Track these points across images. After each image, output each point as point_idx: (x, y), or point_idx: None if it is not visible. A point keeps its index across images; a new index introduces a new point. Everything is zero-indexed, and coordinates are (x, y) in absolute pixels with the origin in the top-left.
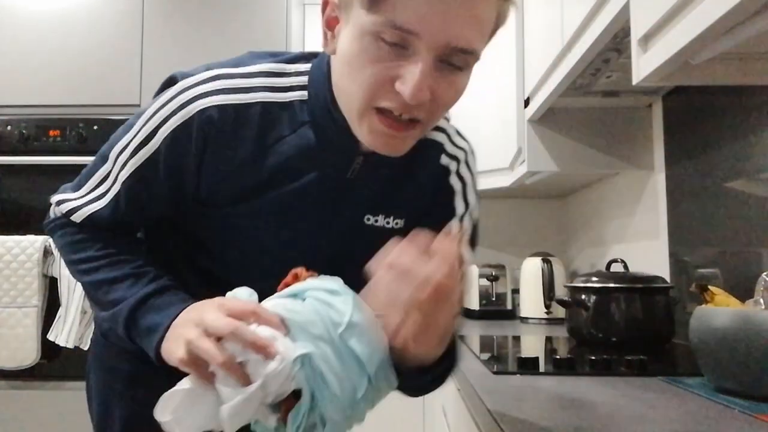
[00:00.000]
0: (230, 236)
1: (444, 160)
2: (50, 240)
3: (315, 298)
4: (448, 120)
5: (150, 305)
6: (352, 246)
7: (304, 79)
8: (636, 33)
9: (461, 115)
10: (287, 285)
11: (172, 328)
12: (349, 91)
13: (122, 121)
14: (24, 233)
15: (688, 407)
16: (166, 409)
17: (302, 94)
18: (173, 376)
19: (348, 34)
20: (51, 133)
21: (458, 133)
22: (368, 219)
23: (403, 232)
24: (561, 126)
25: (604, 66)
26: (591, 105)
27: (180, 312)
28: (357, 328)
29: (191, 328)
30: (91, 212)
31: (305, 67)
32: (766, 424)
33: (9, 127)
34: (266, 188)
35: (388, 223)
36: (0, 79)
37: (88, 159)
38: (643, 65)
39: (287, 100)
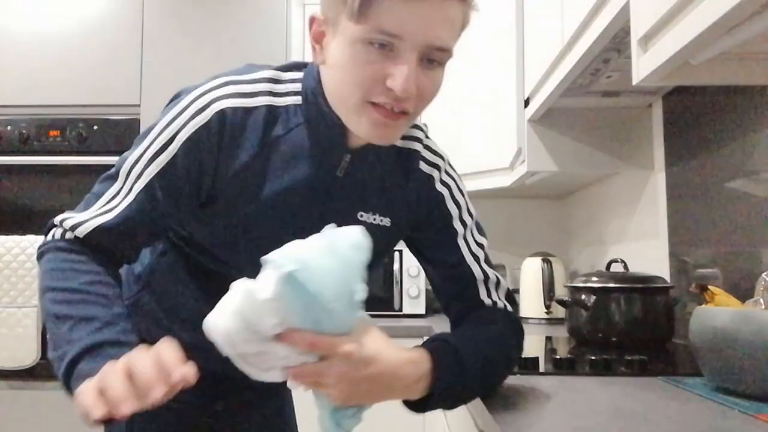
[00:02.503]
0: (232, 236)
1: (425, 168)
2: None
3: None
4: (424, 133)
5: (99, 353)
6: None
7: (297, 86)
8: (636, 33)
9: (462, 114)
10: None
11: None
12: (344, 91)
13: (122, 121)
14: (24, 233)
15: (688, 407)
16: None
17: (296, 99)
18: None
19: (338, 44)
20: (51, 133)
21: (431, 142)
22: (361, 215)
23: (390, 230)
24: (561, 126)
25: (604, 66)
26: (591, 105)
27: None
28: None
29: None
30: (98, 224)
31: (298, 75)
32: (766, 424)
33: (9, 127)
34: (267, 183)
35: (379, 221)
36: (0, 79)
37: (88, 159)
38: (643, 65)
39: (284, 104)
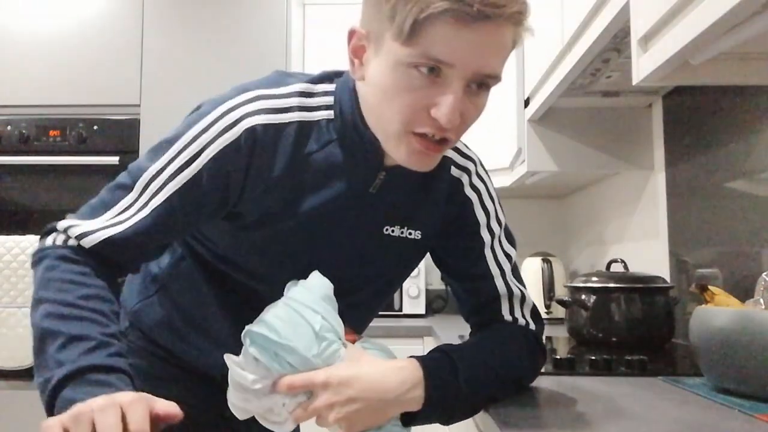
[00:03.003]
0: (258, 251)
1: (455, 172)
2: None
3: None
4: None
5: (85, 378)
6: (373, 255)
7: (329, 100)
8: (636, 33)
9: None
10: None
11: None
12: (385, 116)
13: (122, 121)
14: (24, 233)
15: (688, 407)
16: None
17: (328, 114)
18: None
19: (380, 64)
20: (51, 133)
21: (462, 144)
22: (387, 229)
23: (421, 243)
24: (561, 126)
25: (604, 66)
26: (591, 105)
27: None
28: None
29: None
30: (107, 236)
31: (330, 87)
32: (766, 424)
33: (9, 127)
34: (297, 201)
35: (406, 233)
36: (0, 79)
37: (88, 159)
38: (643, 65)
39: (315, 119)
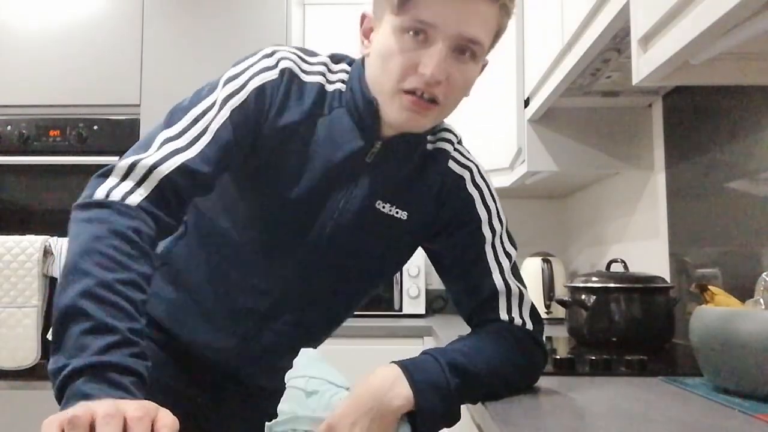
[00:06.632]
0: (254, 218)
1: (456, 168)
2: (50, 240)
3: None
4: (457, 138)
5: (101, 375)
6: (363, 228)
7: (344, 76)
8: (636, 33)
9: (462, 114)
10: None
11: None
12: (381, 78)
13: (122, 121)
14: (24, 233)
15: (688, 407)
16: None
17: (341, 86)
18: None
19: (380, 35)
20: (51, 133)
21: (463, 148)
22: (379, 204)
23: (406, 224)
24: (561, 126)
25: (604, 66)
26: (591, 105)
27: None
28: None
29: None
30: (183, 161)
31: (346, 67)
32: (766, 424)
33: (9, 127)
34: (298, 162)
35: (393, 212)
36: (0, 79)
37: (88, 159)
38: (643, 65)
39: (330, 89)
